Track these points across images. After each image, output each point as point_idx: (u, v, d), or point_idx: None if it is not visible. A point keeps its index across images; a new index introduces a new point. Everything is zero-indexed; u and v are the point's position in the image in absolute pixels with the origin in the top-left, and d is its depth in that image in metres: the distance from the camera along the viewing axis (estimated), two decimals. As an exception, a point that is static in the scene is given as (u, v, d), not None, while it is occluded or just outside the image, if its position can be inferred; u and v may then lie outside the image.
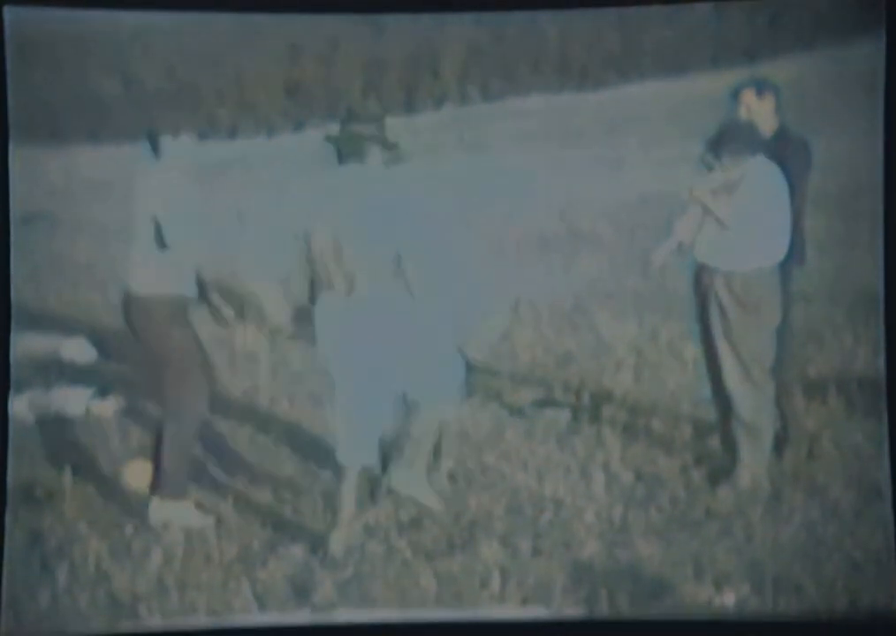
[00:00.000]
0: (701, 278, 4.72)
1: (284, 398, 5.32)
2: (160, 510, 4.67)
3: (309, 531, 4.63)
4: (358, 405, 4.43)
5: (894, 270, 4.74)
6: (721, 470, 4.78)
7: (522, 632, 4.45)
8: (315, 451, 4.91)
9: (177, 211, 4.52)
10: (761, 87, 4.80)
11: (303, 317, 4.46)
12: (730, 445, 4.77)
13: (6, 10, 4.71)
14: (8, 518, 4.63)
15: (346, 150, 4.39)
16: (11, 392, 4.77)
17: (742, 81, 4.83)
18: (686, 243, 4.72)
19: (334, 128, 4.49)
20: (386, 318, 4.37)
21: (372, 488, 4.67)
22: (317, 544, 4.54)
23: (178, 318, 4.59)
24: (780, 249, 4.66)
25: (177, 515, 4.65)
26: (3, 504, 4.63)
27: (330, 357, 4.43)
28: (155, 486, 4.68)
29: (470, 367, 4.64)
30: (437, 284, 4.40)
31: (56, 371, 5.08)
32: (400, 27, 5.84)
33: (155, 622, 4.42)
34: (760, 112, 4.77)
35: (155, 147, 4.64)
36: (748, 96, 4.78)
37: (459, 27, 5.89)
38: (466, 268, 4.49)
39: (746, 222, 4.60)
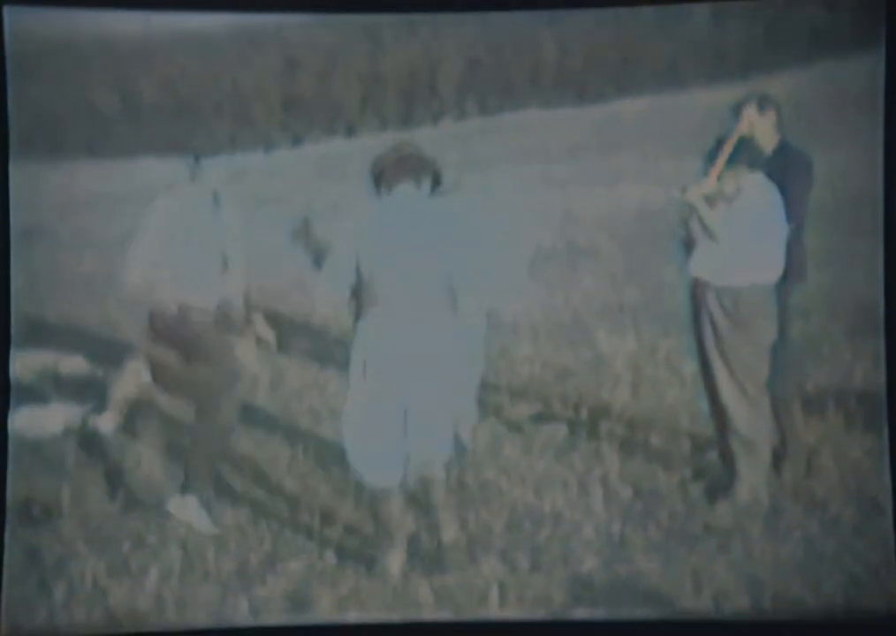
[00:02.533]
0: (695, 293, 4.74)
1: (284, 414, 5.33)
2: (180, 506, 4.71)
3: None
4: (378, 427, 4.43)
5: (894, 284, 4.74)
6: (720, 485, 4.78)
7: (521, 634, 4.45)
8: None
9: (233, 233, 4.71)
10: (763, 102, 4.82)
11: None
12: (728, 460, 4.77)
13: (6, 10, 4.72)
14: (6, 535, 4.63)
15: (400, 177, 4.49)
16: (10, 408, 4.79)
17: (744, 97, 4.85)
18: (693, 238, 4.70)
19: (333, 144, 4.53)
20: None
21: None
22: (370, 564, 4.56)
23: (223, 330, 4.73)
24: (775, 269, 4.67)
25: (192, 515, 4.69)
26: (3, 521, 4.63)
27: (359, 374, 4.44)
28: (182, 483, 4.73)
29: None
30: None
31: (54, 386, 5.08)
32: (398, 42, 5.85)
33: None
34: (761, 128, 4.78)
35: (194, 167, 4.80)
36: (750, 112, 4.80)
37: (457, 42, 5.90)
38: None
39: (738, 237, 4.61)
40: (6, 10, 4.75)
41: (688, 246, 4.76)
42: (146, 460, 4.94)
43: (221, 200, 4.83)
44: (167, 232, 4.75)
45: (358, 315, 4.47)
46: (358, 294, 4.46)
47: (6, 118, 4.78)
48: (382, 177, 4.51)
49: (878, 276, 4.76)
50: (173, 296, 4.73)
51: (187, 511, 4.72)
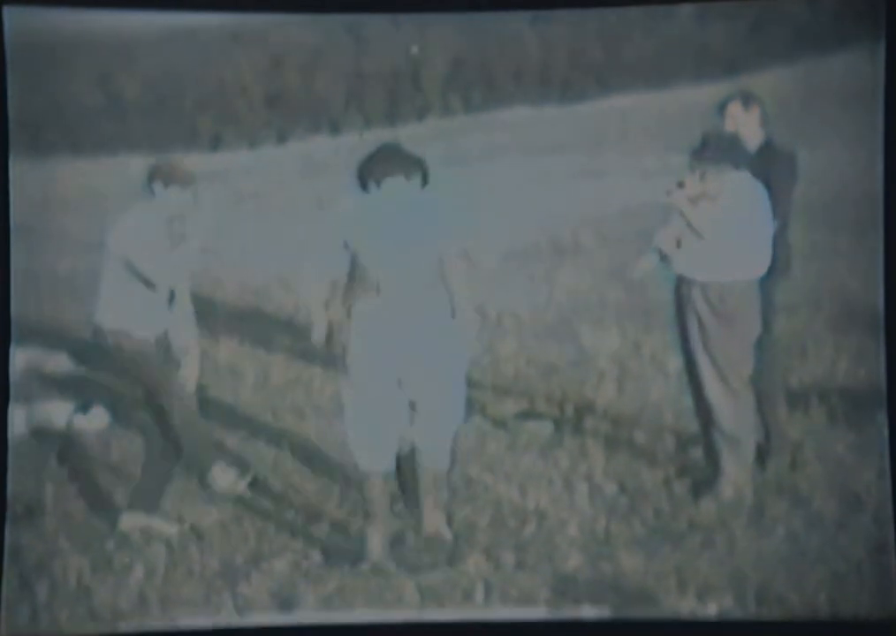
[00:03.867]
0: (680, 290, 4.74)
1: (268, 412, 5.31)
2: (129, 522, 4.70)
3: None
4: (374, 412, 4.47)
5: (892, 282, 4.76)
6: (704, 481, 4.78)
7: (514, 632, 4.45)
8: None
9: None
10: (747, 99, 4.83)
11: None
12: (712, 456, 4.77)
13: (6, 11, 4.69)
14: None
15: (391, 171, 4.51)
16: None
17: (729, 94, 4.86)
18: (668, 253, 4.73)
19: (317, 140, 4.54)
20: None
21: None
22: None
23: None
24: (760, 264, 4.68)
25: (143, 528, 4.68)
26: (3, 517, 4.62)
27: (356, 362, 4.46)
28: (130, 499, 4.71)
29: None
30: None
31: (38, 385, 5.06)
32: (382, 39, 5.83)
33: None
34: (746, 125, 4.79)
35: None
36: (735, 109, 4.80)
37: (442, 39, 5.89)
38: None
39: (723, 234, 4.62)
40: (6, 10, 4.73)
41: (662, 256, 4.76)
42: (130, 459, 4.91)
43: (177, 228, 4.73)
44: (122, 264, 4.67)
45: (353, 301, 4.48)
46: (352, 280, 4.49)
47: (6, 117, 4.75)
48: (370, 172, 4.53)
49: (870, 273, 4.76)
50: (115, 326, 4.66)
51: (141, 523, 4.71)
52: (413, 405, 4.53)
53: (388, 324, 4.46)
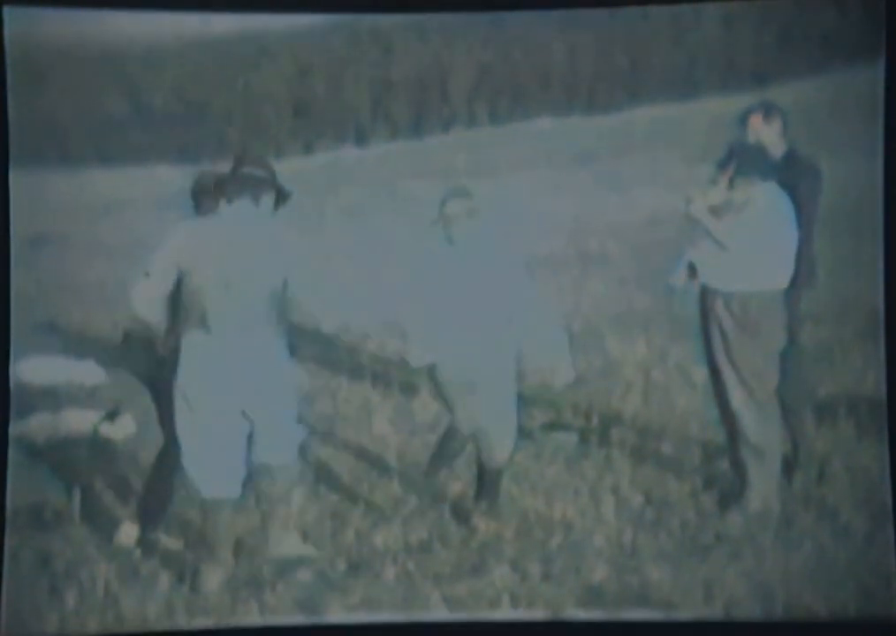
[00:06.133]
0: (704, 300, 4.73)
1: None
2: (128, 532, 4.70)
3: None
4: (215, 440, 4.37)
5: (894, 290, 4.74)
6: (731, 493, 4.76)
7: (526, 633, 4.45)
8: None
9: None
10: (768, 110, 4.83)
11: None
12: (739, 468, 4.76)
13: (5, 11, 4.71)
14: (15, 541, 4.63)
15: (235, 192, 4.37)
16: (19, 415, 4.79)
17: (750, 106, 4.86)
18: (700, 268, 4.72)
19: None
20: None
21: None
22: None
23: None
24: (784, 275, 4.67)
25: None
26: (3, 527, 4.63)
27: (190, 390, 4.38)
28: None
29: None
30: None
31: (66, 393, 5.08)
32: (409, 48, 5.85)
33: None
34: (767, 136, 4.79)
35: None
36: (756, 120, 4.80)
37: (468, 48, 5.90)
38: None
39: (748, 245, 4.61)
40: (6, 10, 4.73)
41: (692, 271, 4.74)
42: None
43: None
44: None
45: (180, 332, 4.39)
46: (177, 310, 4.38)
47: (6, 123, 4.75)
48: (219, 191, 4.39)
49: (879, 280, 4.75)
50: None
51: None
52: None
53: (223, 358, 4.32)
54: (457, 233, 4.64)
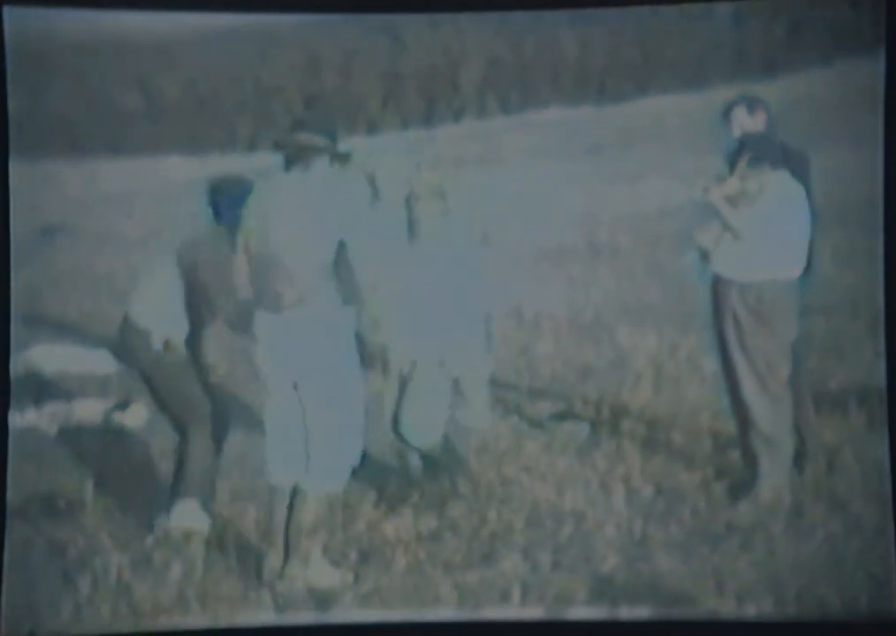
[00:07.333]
0: (717, 290, 4.73)
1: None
2: (182, 512, 4.69)
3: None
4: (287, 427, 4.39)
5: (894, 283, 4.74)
6: (742, 484, 4.77)
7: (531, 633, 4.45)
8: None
9: None
10: (751, 103, 4.80)
11: None
12: (750, 458, 4.76)
13: (5, 10, 4.72)
14: (28, 530, 4.65)
15: (293, 158, 4.40)
16: (31, 405, 4.80)
17: (733, 99, 4.84)
18: (709, 251, 4.71)
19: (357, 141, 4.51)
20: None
21: None
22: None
23: None
24: (798, 264, 4.67)
25: (193, 518, 4.68)
26: (3, 516, 4.65)
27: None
28: (180, 489, 4.71)
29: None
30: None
31: (78, 382, 5.10)
32: (419, 39, 5.85)
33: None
34: (752, 129, 4.77)
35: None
36: (739, 114, 4.78)
37: (479, 40, 5.90)
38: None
39: (762, 234, 4.61)
40: (6, 10, 4.75)
41: (703, 254, 4.74)
42: (169, 455, 4.94)
43: None
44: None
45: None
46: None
47: (6, 117, 4.77)
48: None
49: (879, 274, 4.75)
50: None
51: (187, 515, 4.69)
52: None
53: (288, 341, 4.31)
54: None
